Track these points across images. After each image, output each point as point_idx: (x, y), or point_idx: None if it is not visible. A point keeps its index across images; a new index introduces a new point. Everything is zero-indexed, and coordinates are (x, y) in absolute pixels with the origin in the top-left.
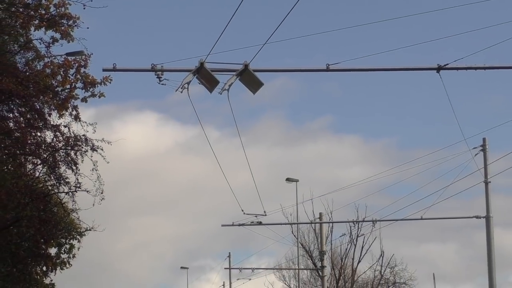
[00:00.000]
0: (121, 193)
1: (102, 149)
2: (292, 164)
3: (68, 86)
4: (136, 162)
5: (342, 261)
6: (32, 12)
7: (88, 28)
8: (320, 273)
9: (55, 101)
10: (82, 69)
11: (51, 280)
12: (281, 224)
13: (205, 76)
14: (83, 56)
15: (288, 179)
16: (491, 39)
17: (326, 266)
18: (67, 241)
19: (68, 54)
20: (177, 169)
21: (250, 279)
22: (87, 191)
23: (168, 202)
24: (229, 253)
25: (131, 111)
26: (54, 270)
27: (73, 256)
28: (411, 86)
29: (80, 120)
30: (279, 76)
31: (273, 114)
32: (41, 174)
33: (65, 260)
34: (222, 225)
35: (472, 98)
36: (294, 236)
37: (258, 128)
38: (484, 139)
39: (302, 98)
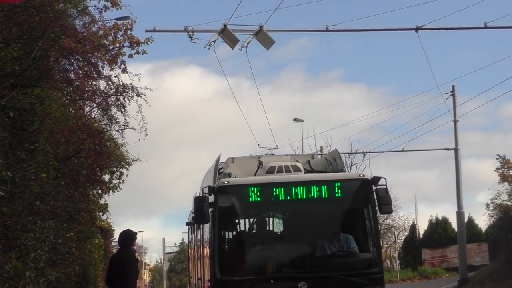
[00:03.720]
0: (169, 132)
1: (145, 95)
2: (308, 107)
3: (117, 45)
4: (183, 107)
5: None
6: None
7: None
8: None
9: (107, 57)
10: (129, 32)
11: (105, 201)
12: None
13: (228, 36)
14: (129, 21)
15: (295, 119)
16: (461, 3)
17: None
18: (117, 169)
19: (117, 19)
20: (215, 113)
21: None
22: (133, 129)
23: (206, 139)
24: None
25: (180, 65)
26: (107, 193)
27: (123, 182)
28: (400, 44)
29: (127, 72)
30: (300, 37)
31: (294, 67)
32: (96, 115)
33: (116, 184)
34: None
35: (445, 53)
36: None
37: (282, 78)
38: (453, 86)
39: (319, 54)
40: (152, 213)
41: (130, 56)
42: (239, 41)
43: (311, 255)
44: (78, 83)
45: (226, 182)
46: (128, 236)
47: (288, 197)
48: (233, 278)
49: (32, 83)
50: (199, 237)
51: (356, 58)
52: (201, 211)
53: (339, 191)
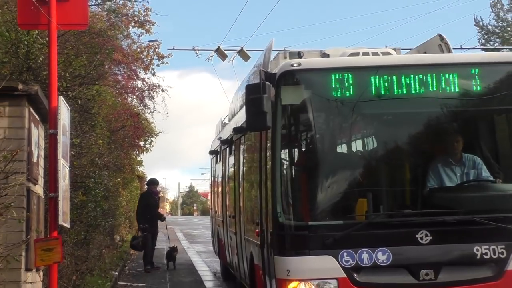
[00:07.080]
0: (188, 114)
1: (167, 91)
2: None
3: (149, 58)
4: (199, 100)
5: None
6: (130, 19)
7: (159, 26)
8: None
9: (142, 65)
10: (157, 49)
11: (141, 158)
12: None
13: (220, 53)
14: (157, 42)
15: None
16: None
17: None
18: (149, 138)
19: (149, 41)
20: (220, 104)
21: None
22: (159, 112)
23: (216, 118)
24: None
25: (196, 73)
26: (142, 153)
27: (152, 146)
28: None
29: (155, 76)
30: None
31: None
32: (135, 103)
33: (148, 148)
34: None
35: None
36: None
37: None
38: None
39: None
40: (173, 167)
41: (158, 65)
42: (228, 57)
43: (433, 188)
44: (123, 83)
45: (295, 65)
46: (152, 182)
47: (399, 91)
48: (307, 223)
49: (93, 82)
50: (233, 159)
51: None
52: (258, 108)
53: (481, 81)
